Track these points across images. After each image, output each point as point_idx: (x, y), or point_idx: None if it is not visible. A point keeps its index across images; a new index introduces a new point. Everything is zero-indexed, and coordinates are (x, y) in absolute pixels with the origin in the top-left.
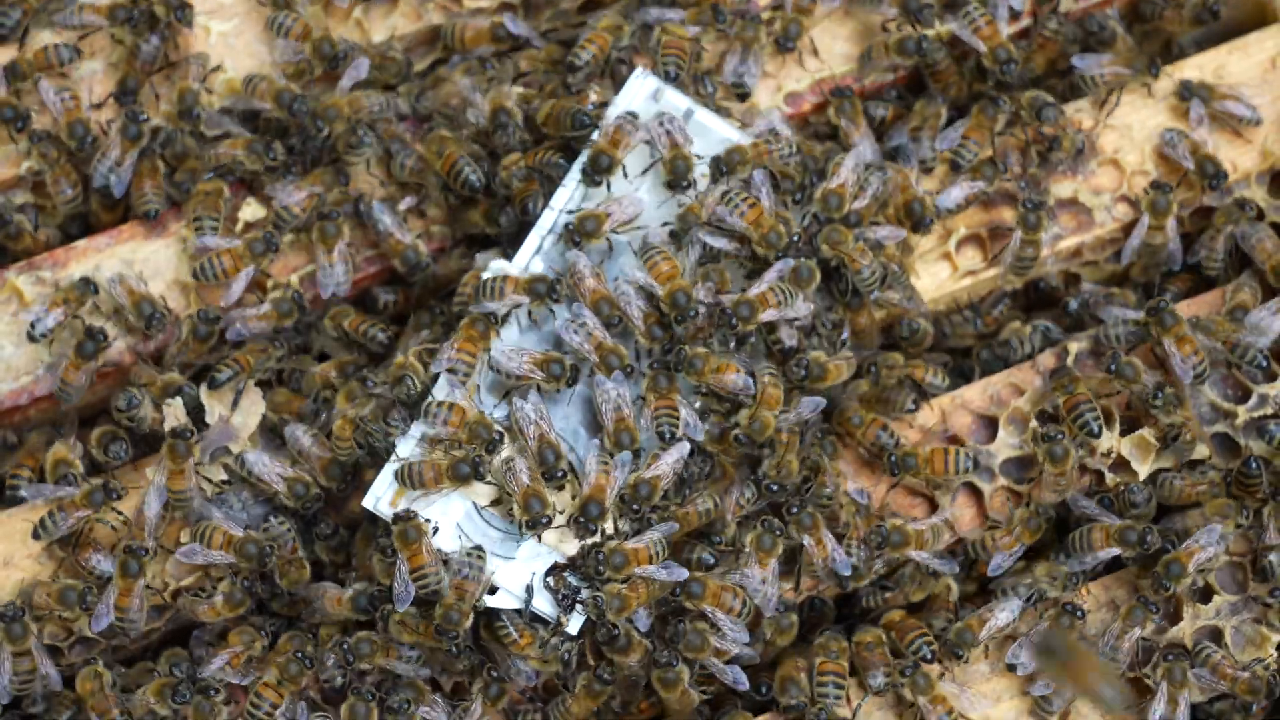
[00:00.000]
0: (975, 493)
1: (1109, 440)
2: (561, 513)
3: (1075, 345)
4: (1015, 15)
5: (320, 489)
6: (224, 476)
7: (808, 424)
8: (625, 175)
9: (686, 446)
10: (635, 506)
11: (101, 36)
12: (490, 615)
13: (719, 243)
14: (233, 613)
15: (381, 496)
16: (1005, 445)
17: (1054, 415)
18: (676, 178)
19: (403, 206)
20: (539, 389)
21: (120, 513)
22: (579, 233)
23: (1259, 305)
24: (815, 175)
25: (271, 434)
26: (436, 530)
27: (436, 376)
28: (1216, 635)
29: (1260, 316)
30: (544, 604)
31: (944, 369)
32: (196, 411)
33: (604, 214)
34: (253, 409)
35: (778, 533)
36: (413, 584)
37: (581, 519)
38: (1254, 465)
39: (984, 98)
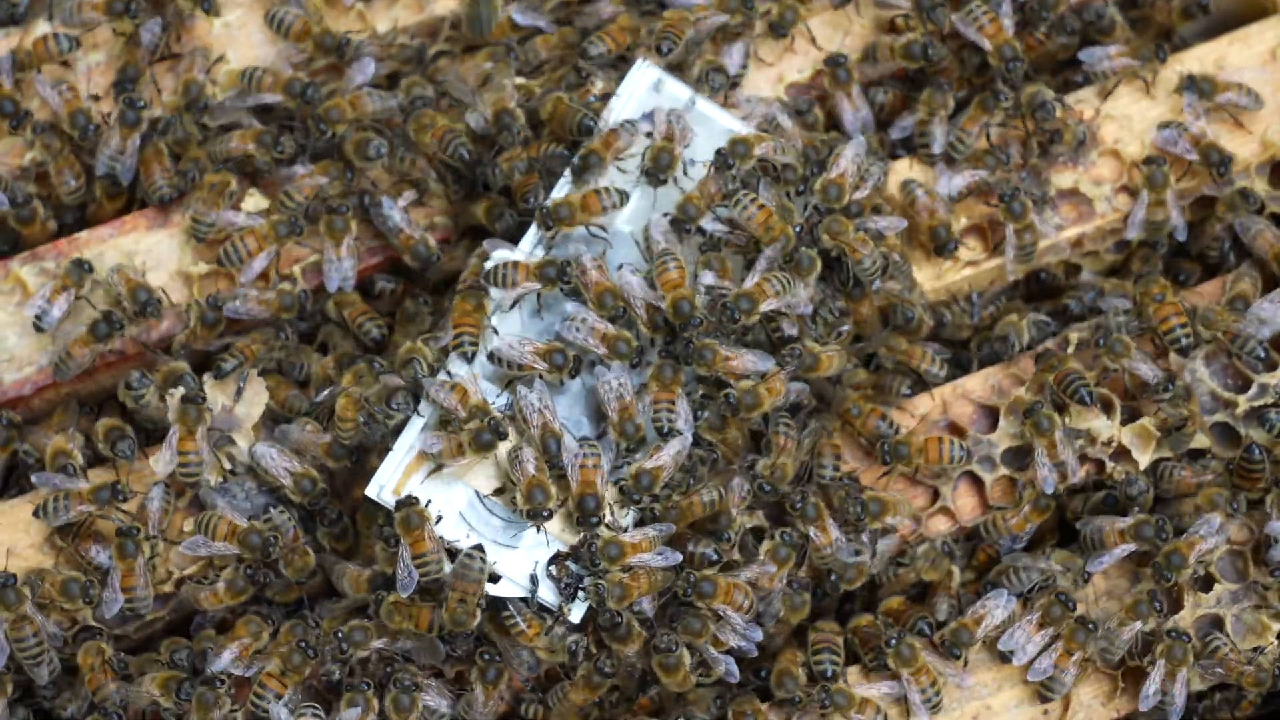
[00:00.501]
0: (977, 482)
1: (1110, 429)
2: (564, 503)
3: (1076, 335)
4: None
5: (326, 486)
6: (229, 465)
7: (806, 427)
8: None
9: (689, 438)
10: (636, 497)
11: (105, 29)
12: (496, 605)
13: (720, 230)
14: (234, 600)
15: (385, 485)
16: (1006, 435)
17: (1058, 405)
18: (656, 168)
19: (403, 201)
20: (542, 379)
21: (126, 511)
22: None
23: (1261, 296)
24: (816, 166)
25: (274, 422)
26: (440, 519)
27: (442, 357)
28: (1217, 624)
29: (1263, 308)
30: (547, 592)
31: (943, 360)
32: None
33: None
34: (256, 399)
35: (792, 543)
36: (416, 570)
37: (581, 517)
38: (1256, 453)
39: (985, 89)
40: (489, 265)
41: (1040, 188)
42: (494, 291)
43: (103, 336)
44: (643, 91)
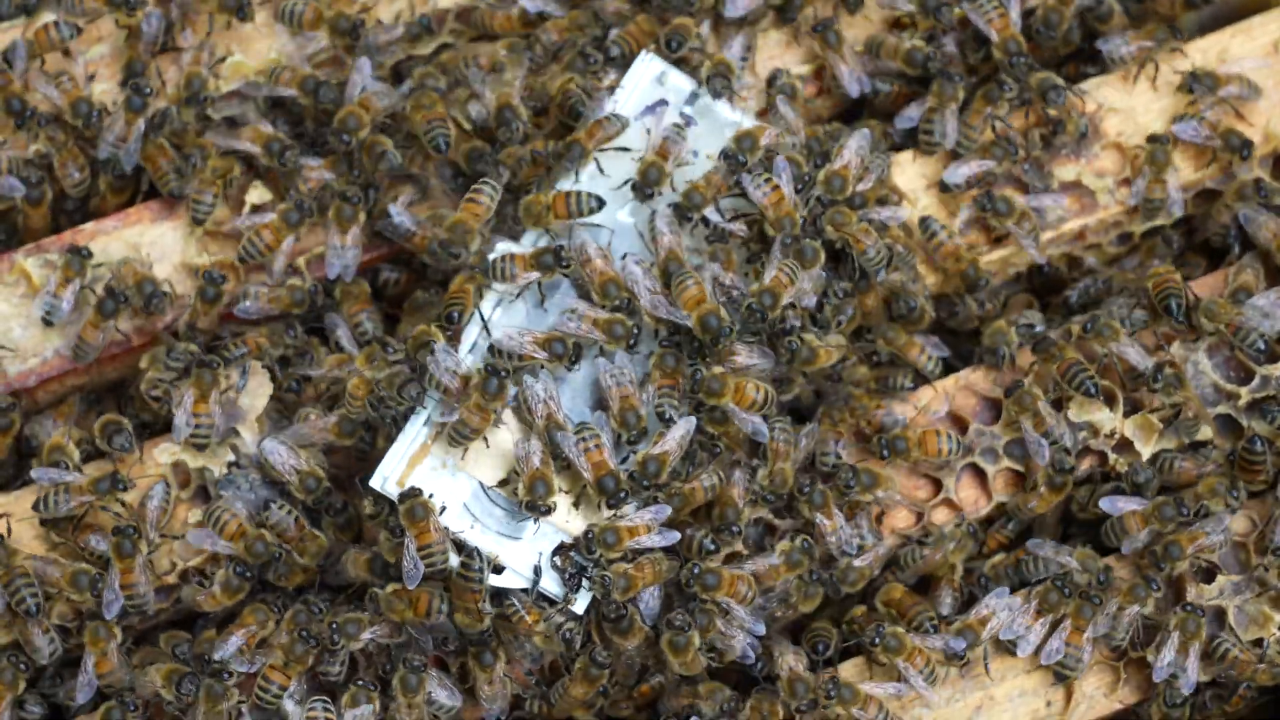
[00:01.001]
0: (980, 474)
1: (1112, 421)
2: (567, 493)
3: (1077, 327)
4: None
5: (330, 485)
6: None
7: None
8: (601, 170)
9: (693, 421)
10: (645, 483)
11: (108, 22)
12: (500, 594)
13: (725, 221)
14: (231, 600)
15: (389, 476)
16: (1009, 426)
17: (1060, 397)
18: (645, 182)
19: (404, 200)
20: (543, 369)
21: (123, 503)
22: (646, 184)
23: (1264, 290)
24: (819, 157)
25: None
26: (444, 509)
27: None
28: (1220, 615)
29: (1262, 302)
30: (551, 583)
31: (939, 358)
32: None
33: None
34: (260, 391)
35: (809, 550)
36: (421, 561)
37: (606, 499)
38: (1258, 444)
39: (989, 81)
40: (489, 259)
41: (1043, 180)
42: (497, 285)
43: (110, 314)
44: (646, 84)
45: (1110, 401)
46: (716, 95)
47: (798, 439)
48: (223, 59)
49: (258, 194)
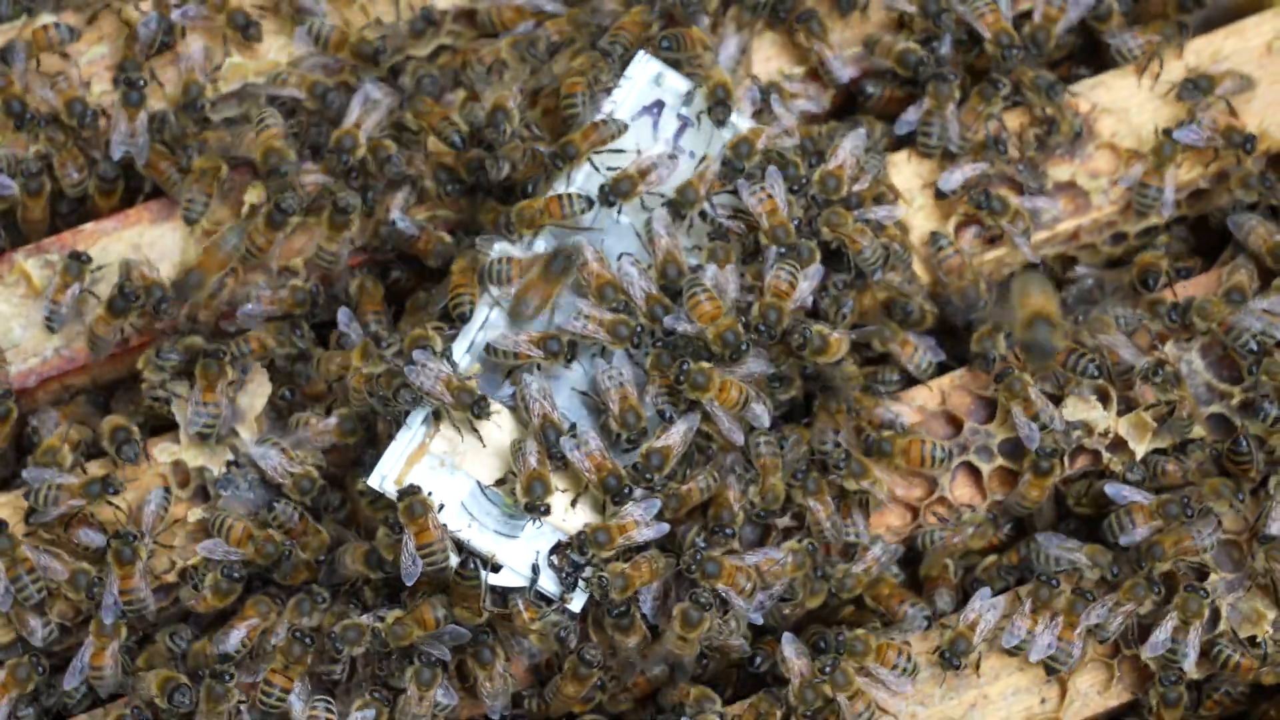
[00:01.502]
0: (975, 472)
1: (1107, 420)
2: (564, 491)
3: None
4: None
5: (325, 483)
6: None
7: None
8: (596, 168)
9: (696, 418)
10: (647, 474)
11: (110, 22)
12: (502, 591)
13: (723, 215)
14: (223, 602)
15: (387, 475)
16: (1004, 426)
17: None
18: (615, 191)
19: (401, 203)
20: (538, 368)
21: (117, 505)
22: (614, 193)
23: (1260, 291)
24: (814, 157)
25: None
26: (442, 507)
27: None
28: (1214, 613)
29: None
30: (548, 582)
31: (931, 362)
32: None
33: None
34: (259, 391)
35: (814, 552)
36: (421, 559)
37: (613, 497)
38: (1244, 444)
39: (983, 80)
40: (486, 261)
41: (1038, 180)
42: (493, 289)
43: (120, 313)
44: (644, 84)
45: (1105, 400)
46: (719, 124)
47: (785, 450)
48: (218, 67)
49: (256, 194)
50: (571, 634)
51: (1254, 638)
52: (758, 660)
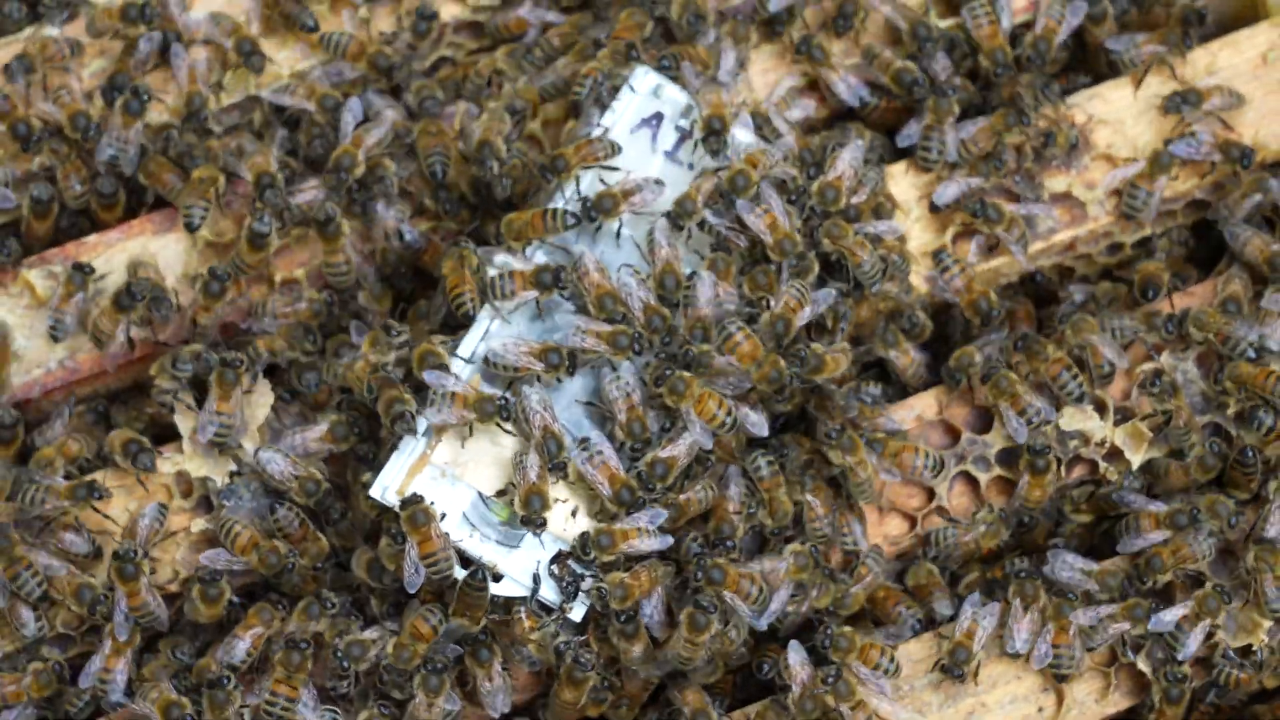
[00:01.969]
0: (972, 482)
1: (1103, 430)
2: (564, 501)
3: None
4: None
5: (329, 485)
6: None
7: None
8: (579, 183)
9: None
10: (650, 485)
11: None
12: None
13: (724, 226)
14: (216, 609)
15: (389, 486)
16: (1001, 435)
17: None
18: (597, 207)
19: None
20: (539, 380)
21: (104, 514)
22: (596, 209)
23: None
24: (813, 168)
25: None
26: (444, 516)
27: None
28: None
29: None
30: (549, 591)
31: (922, 376)
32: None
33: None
34: (262, 400)
35: (815, 554)
36: (424, 568)
37: (627, 508)
38: (1250, 454)
39: (1010, 106)
40: (488, 276)
41: (1034, 192)
42: (495, 303)
43: (125, 309)
44: (642, 96)
45: (1101, 410)
46: (714, 155)
47: (783, 465)
48: (219, 82)
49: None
50: (570, 646)
51: (1249, 647)
52: (765, 668)
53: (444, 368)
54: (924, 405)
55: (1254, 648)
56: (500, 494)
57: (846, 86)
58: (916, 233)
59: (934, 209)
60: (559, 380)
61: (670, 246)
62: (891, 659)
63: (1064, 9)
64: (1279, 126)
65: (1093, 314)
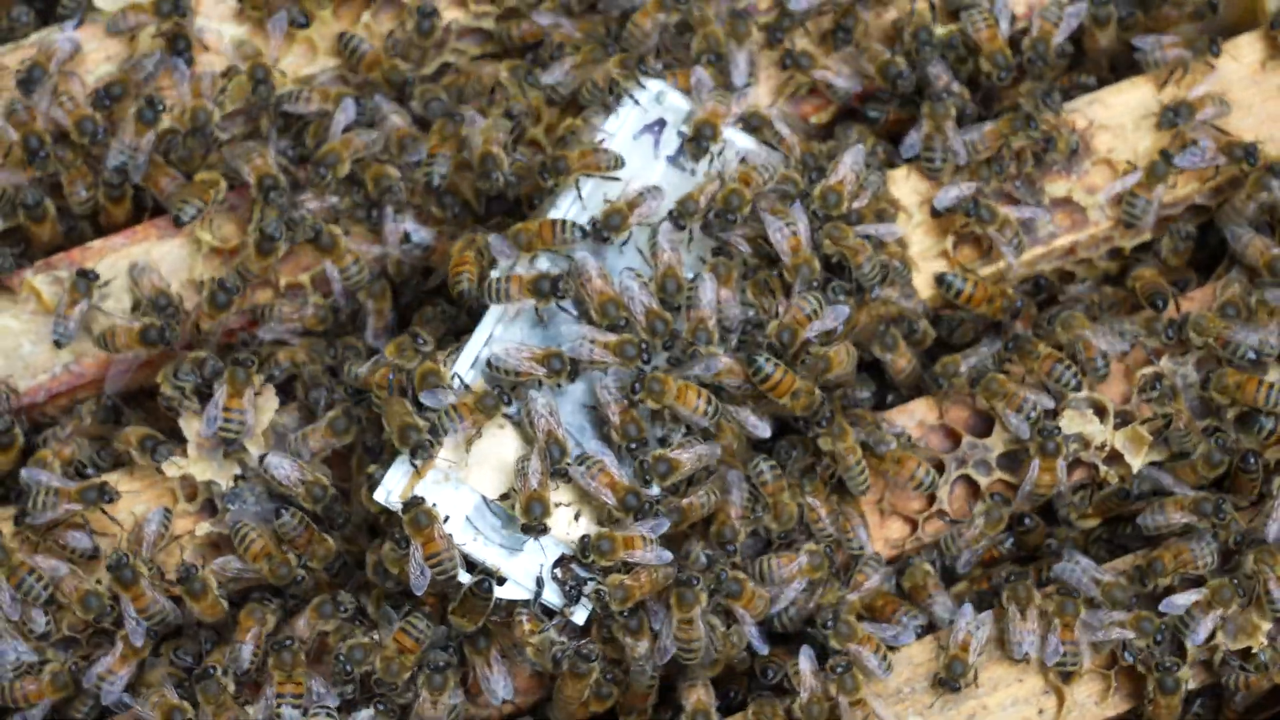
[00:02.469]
0: (973, 486)
1: (1103, 434)
2: (567, 505)
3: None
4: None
5: (336, 490)
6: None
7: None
8: (579, 192)
9: (718, 447)
10: (649, 479)
11: (116, 41)
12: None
13: (740, 243)
14: (205, 604)
15: (392, 489)
16: (1001, 439)
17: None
18: (605, 225)
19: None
20: (540, 384)
21: (111, 516)
22: (605, 227)
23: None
24: (815, 172)
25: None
26: (447, 519)
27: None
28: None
29: None
30: (552, 594)
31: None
32: (206, 394)
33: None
34: (266, 405)
35: (830, 555)
36: (429, 570)
37: (635, 514)
38: (1252, 461)
39: (1018, 112)
40: (489, 279)
41: (1034, 197)
42: (495, 308)
43: (153, 342)
44: (645, 102)
45: (1101, 414)
46: (695, 158)
47: (784, 466)
48: (224, 89)
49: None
50: (565, 658)
51: (1249, 649)
52: (769, 673)
53: (440, 386)
54: (924, 410)
55: (1253, 650)
56: (503, 498)
57: (844, 78)
58: (918, 237)
59: (935, 213)
60: (559, 386)
61: (673, 250)
62: (885, 657)
63: (1060, 11)
64: (1278, 131)
65: (1091, 312)
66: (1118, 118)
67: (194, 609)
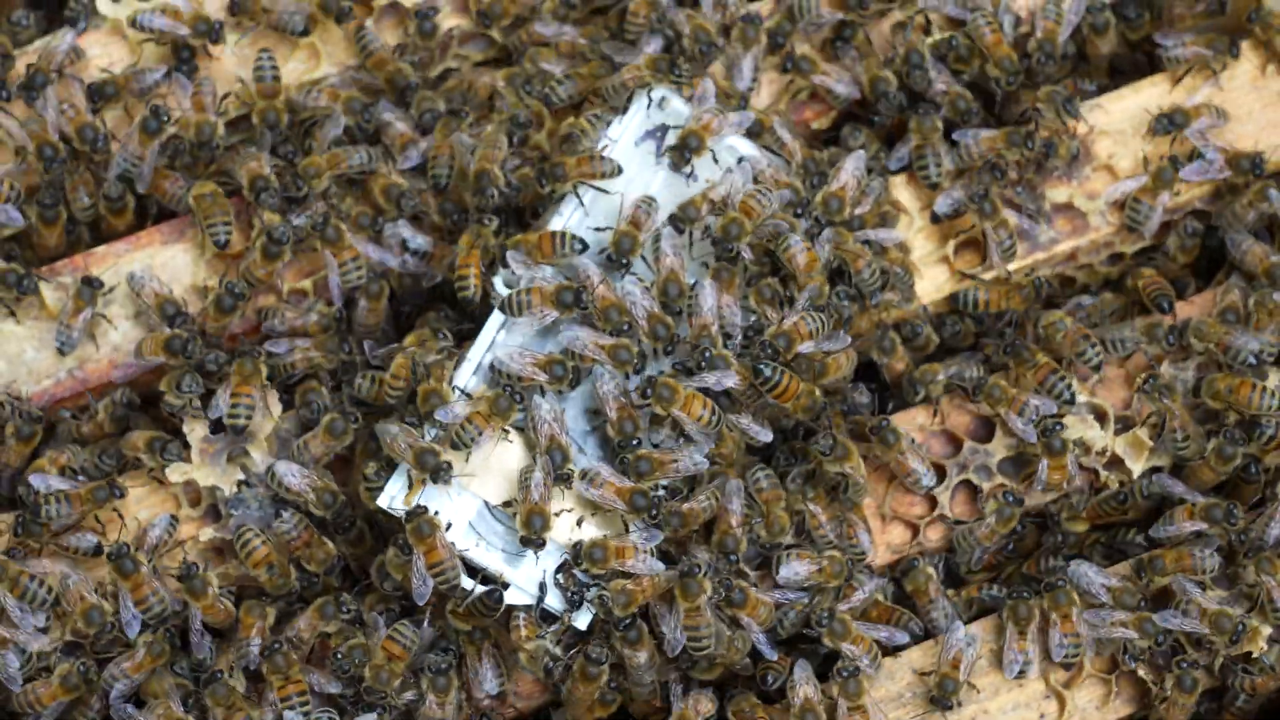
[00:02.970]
0: (974, 491)
1: (1104, 439)
2: (570, 511)
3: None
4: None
5: (345, 496)
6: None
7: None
8: (580, 200)
9: (705, 463)
10: (624, 466)
11: (119, 49)
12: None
13: (750, 257)
14: (206, 602)
15: (396, 495)
16: (1002, 445)
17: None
18: (618, 252)
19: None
20: (543, 390)
21: (121, 514)
22: (619, 253)
23: None
24: (816, 178)
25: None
26: (449, 526)
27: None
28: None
29: None
30: (554, 600)
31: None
32: (207, 397)
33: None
34: (270, 411)
35: (850, 565)
36: (431, 578)
37: (646, 518)
38: (1254, 469)
39: (1019, 126)
40: (506, 293)
41: (1035, 202)
42: (496, 314)
43: (177, 351)
44: (648, 108)
45: (1101, 419)
46: (674, 167)
47: (784, 475)
48: (226, 95)
49: (269, 218)
50: (558, 668)
51: (1249, 654)
52: (770, 679)
53: (444, 406)
54: (925, 416)
55: (1254, 655)
56: (506, 505)
57: (844, 84)
58: (920, 241)
59: (935, 220)
60: (560, 392)
61: (676, 255)
62: (876, 657)
63: (1059, 8)
64: (1278, 139)
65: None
66: (1118, 123)
67: (195, 609)
